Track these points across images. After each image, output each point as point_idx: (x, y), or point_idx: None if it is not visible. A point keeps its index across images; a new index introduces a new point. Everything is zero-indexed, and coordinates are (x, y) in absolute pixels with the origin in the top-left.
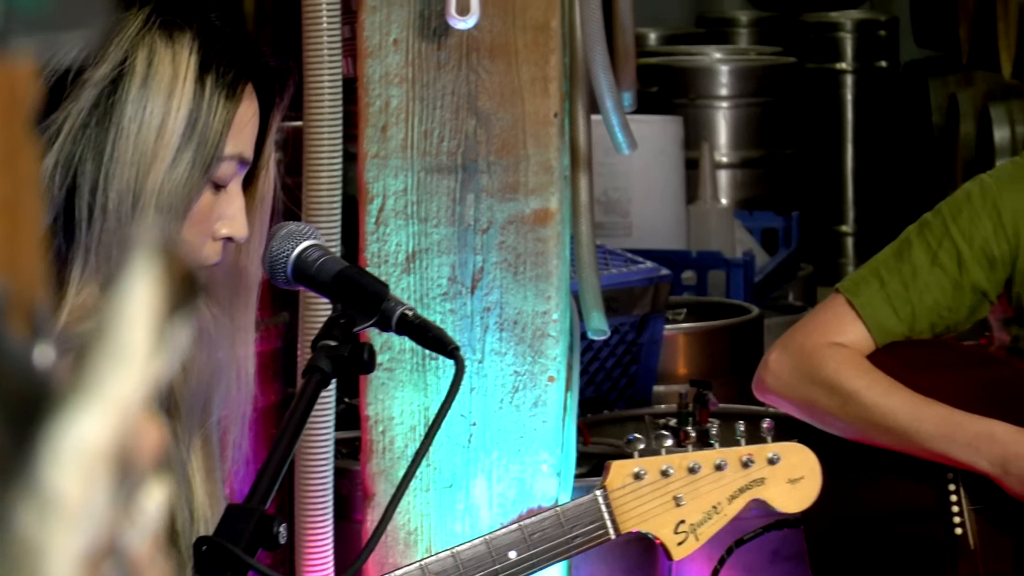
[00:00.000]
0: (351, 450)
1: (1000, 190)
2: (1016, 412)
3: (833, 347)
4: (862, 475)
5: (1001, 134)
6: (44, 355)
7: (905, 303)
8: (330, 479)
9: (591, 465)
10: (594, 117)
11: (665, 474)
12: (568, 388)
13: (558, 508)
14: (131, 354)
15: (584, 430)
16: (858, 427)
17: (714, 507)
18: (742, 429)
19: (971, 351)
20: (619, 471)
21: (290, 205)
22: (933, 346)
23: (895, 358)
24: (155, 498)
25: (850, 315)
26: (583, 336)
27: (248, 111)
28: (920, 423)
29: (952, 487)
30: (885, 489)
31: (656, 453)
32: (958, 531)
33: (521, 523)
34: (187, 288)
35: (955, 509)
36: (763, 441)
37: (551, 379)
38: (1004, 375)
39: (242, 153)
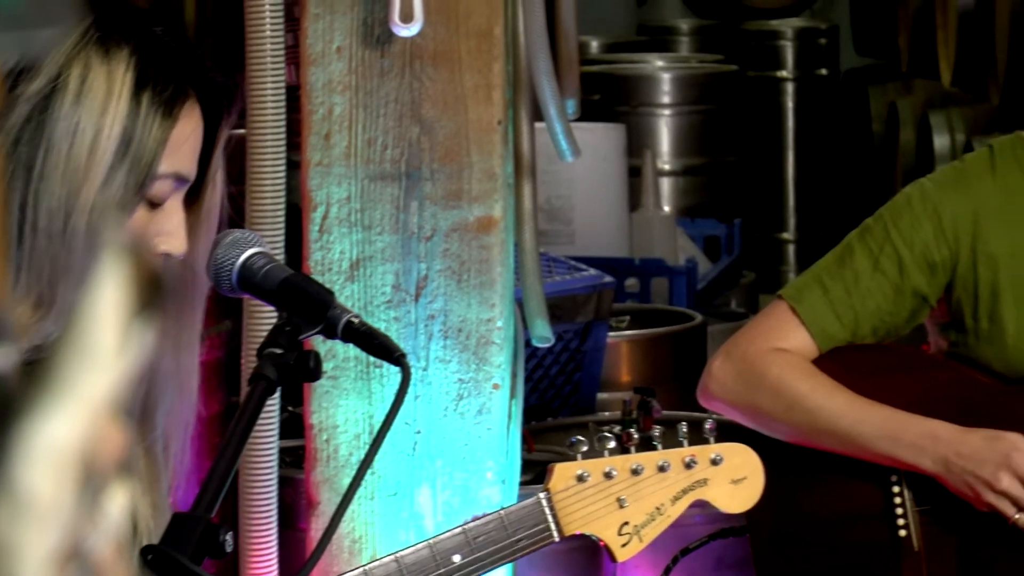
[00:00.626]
0: (295, 459)
1: (940, 195)
2: (958, 414)
3: (777, 353)
4: (807, 479)
5: (941, 141)
6: (5, 358)
7: (848, 309)
8: (274, 488)
9: (535, 472)
10: (537, 124)
11: (608, 476)
12: (513, 395)
13: (502, 511)
14: (101, 355)
15: (528, 437)
16: (803, 431)
17: (657, 508)
18: (684, 430)
19: (913, 354)
20: (562, 474)
21: (233, 214)
22: (876, 350)
23: (838, 363)
24: (118, 501)
25: (793, 321)
26: (527, 343)
27: (187, 128)
28: (864, 425)
29: (896, 489)
30: (830, 492)
31: (599, 455)
32: (902, 533)
33: (465, 526)
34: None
35: (899, 511)
36: (705, 442)
37: (496, 386)
38: (946, 378)
39: (179, 171)
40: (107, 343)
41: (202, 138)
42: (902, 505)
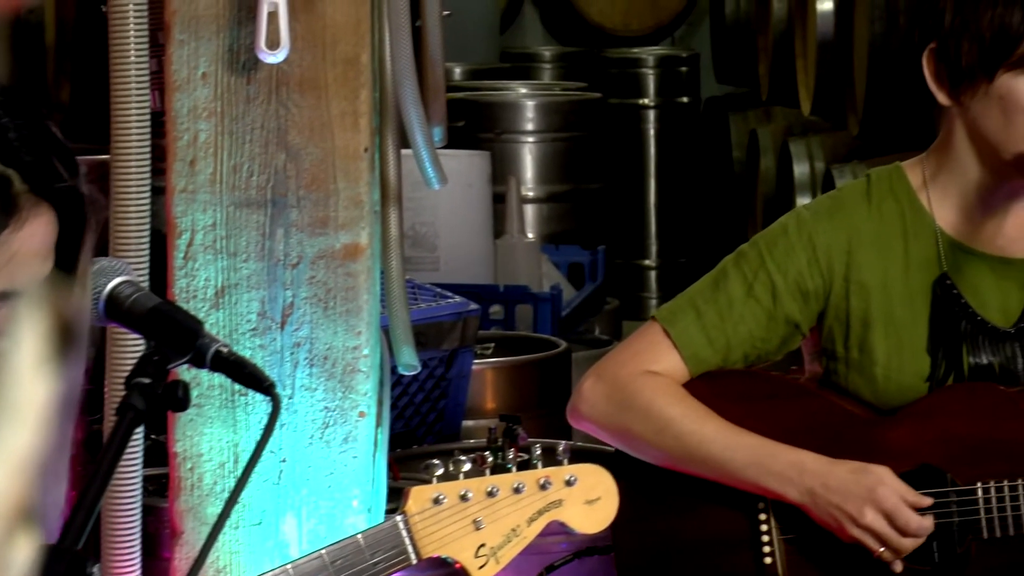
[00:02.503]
0: (158, 487)
1: (816, 224)
2: (826, 443)
3: (648, 375)
4: (675, 504)
5: (800, 169)
6: None
7: (720, 334)
8: (138, 517)
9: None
10: (403, 151)
11: (464, 498)
12: (379, 423)
13: (359, 535)
14: (25, 409)
15: (394, 465)
16: (672, 455)
17: (513, 530)
18: (538, 453)
19: (784, 382)
20: (418, 496)
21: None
22: (746, 376)
23: (709, 388)
24: (24, 551)
25: (666, 344)
26: (393, 371)
27: (14, 240)
28: (733, 452)
29: (763, 516)
30: (697, 518)
31: (455, 478)
32: (767, 560)
33: (323, 551)
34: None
35: (765, 539)
36: (560, 464)
37: (362, 414)
38: (816, 407)
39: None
40: (31, 399)
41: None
42: (768, 533)
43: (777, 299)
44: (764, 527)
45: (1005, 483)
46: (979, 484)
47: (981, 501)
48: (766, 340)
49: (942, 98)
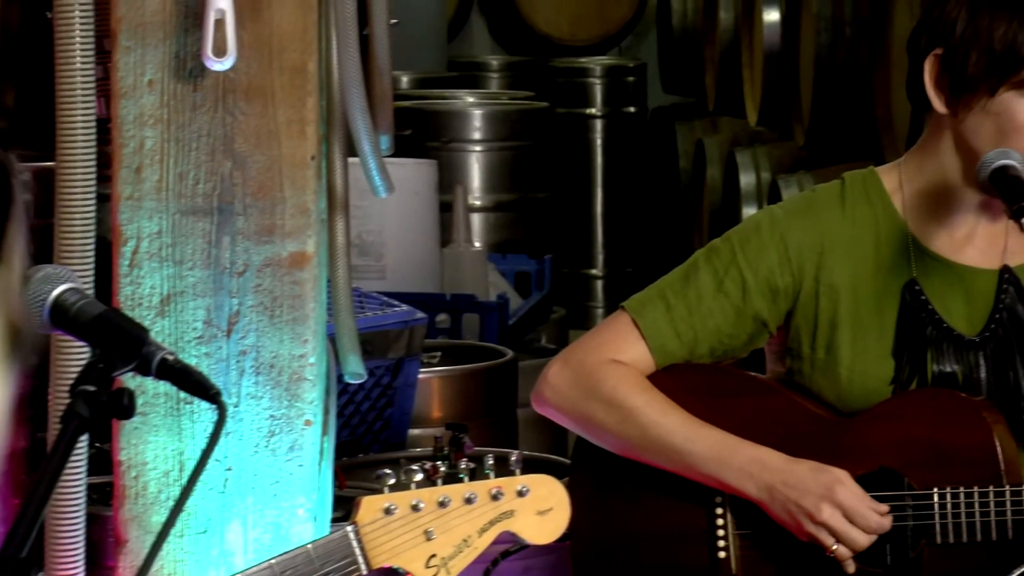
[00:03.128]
0: (101, 495)
1: (789, 223)
2: (787, 442)
3: (613, 364)
4: (632, 495)
5: (747, 179)
6: None
7: (688, 327)
8: (82, 525)
9: (346, 509)
10: (350, 159)
11: (415, 508)
12: (325, 432)
13: (309, 545)
14: None
15: (340, 474)
16: (634, 445)
17: (465, 540)
18: (491, 462)
19: (749, 379)
20: (369, 506)
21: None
22: (712, 371)
23: (674, 381)
24: None
25: (633, 334)
26: (339, 379)
27: None
28: (694, 444)
29: (720, 511)
30: (654, 510)
31: (406, 488)
32: (722, 555)
33: (272, 561)
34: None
35: (720, 533)
36: (512, 474)
37: (308, 423)
38: (778, 406)
39: None
40: None
41: None
42: (724, 527)
43: (747, 295)
44: (720, 521)
45: (961, 490)
46: (935, 490)
47: (936, 507)
48: (733, 336)
49: (938, 105)
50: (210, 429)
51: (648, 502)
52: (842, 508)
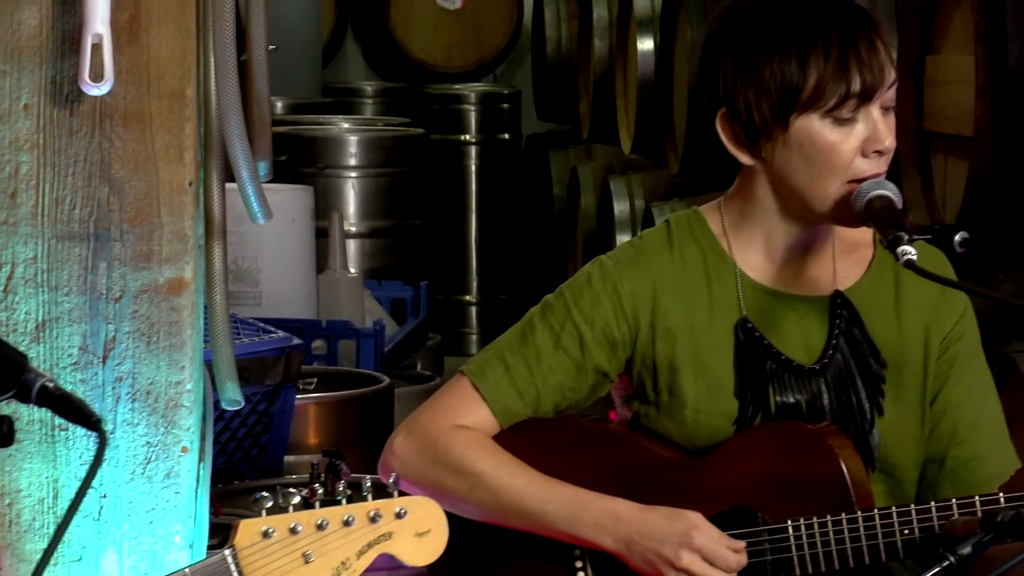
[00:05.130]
0: None
1: (619, 272)
2: (638, 489)
3: (458, 430)
4: (491, 554)
5: (620, 207)
6: None
7: (530, 386)
8: None
9: (222, 536)
10: (227, 185)
11: (293, 531)
12: (201, 459)
13: (187, 569)
14: None
15: (215, 501)
16: (487, 509)
17: (343, 563)
18: (368, 485)
19: (595, 429)
20: (247, 530)
21: None
22: (558, 425)
23: (521, 438)
24: None
25: (475, 398)
26: (215, 406)
27: None
28: (547, 504)
29: (579, 564)
30: (514, 568)
31: (284, 511)
32: None
33: None
34: None
35: None
36: (390, 496)
37: (184, 450)
38: (627, 453)
39: None
40: None
41: None
42: None
43: (585, 349)
44: (581, 575)
45: (815, 520)
46: (789, 522)
47: (792, 539)
48: (576, 390)
49: (744, 159)
50: (86, 456)
51: (507, 561)
52: (700, 552)
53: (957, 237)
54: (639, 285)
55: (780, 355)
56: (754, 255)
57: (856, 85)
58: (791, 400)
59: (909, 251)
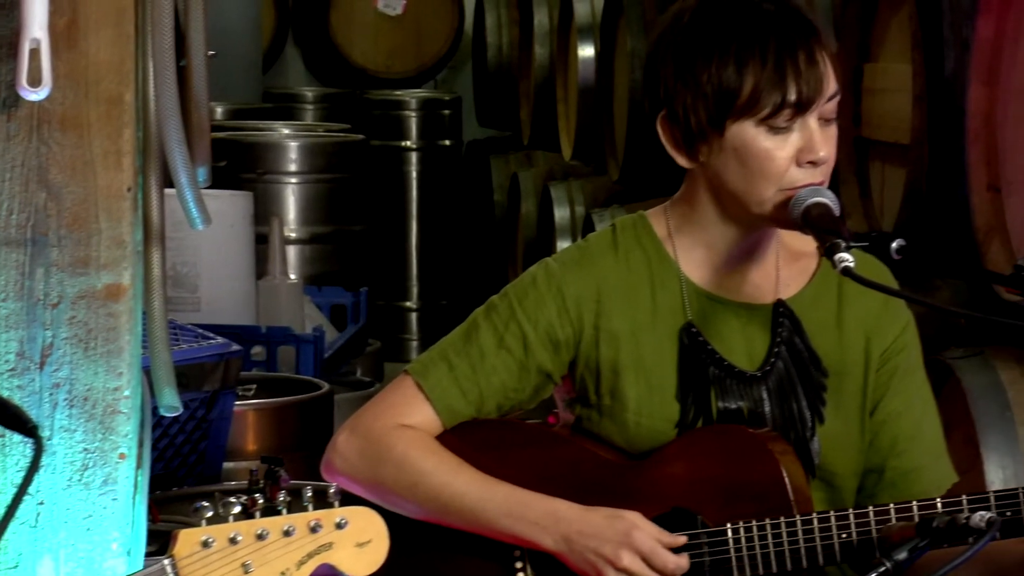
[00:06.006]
0: None
1: (564, 274)
2: (579, 491)
3: (401, 429)
4: (431, 554)
5: (561, 213)
6: None
7: (473, 385)
8: None
9: (160, 543)
10: (166, 191)
11: (233, 541)
12: (139, 465)
13: None
14: None
15: (153, 507)
16: (428, 508)
17: (283, 573)
18: (309, 495)
19: (537, 430)
20: (187, 539)
21: None
22: (501, 426)
23: (464, 439)
24: None
25: (418, 397)
26: (153, 412)
27: None
28: (487, 503)
29: (519, 565)
30: (455, 568)
31: (224, 520)
32: None
33: None
34: None
35: None
36: (331, 507)
37: (122, 456)
38: (569, 455)
39: None
40: None
41: None
42: None
43: (528, 350)
44: (520, 575)
45: (754, 523)
46: (729, 525)
47: (731, 541)
48: (519, 390)
49: (683, 161)
50: (22, 462)
51: (447, 561)
52: (640, 552)
53: (894, 244)
54: (584, 287)
55: (723, 361)
56: (698, 260)
57: (792, 95)
58: (733, 406)
59: (846, 258)
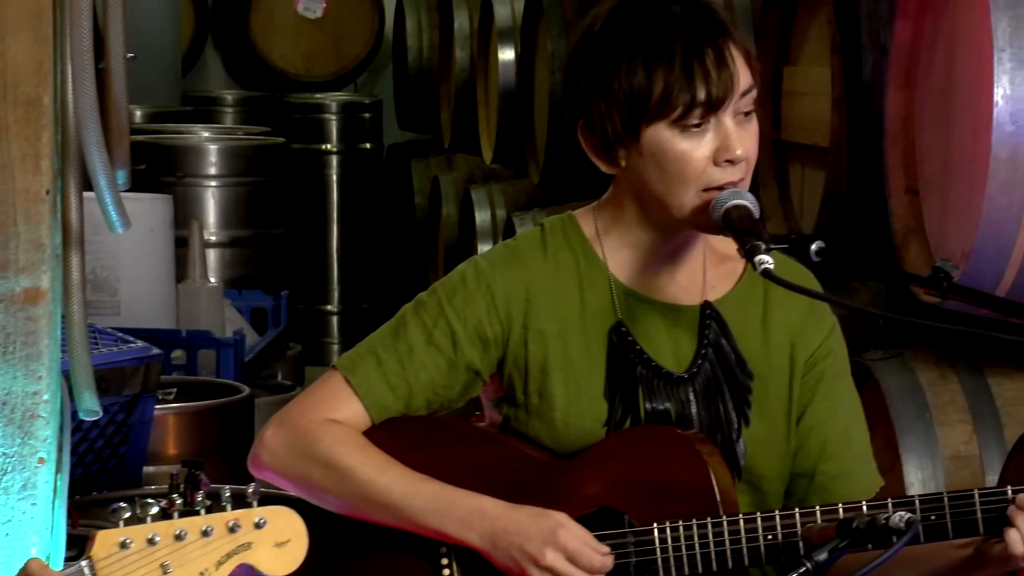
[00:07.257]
0: None
1: (494, 272)
2: (507, 488)
3: (329, 424)
4: (356, 550)
5: (482, 216)
6: None
7: (402, 381)
8: None
9: (79, 548)
10: (85, 194)
11: (151, 542)
12: (58, 470)
13: None
14: None
15: (72, 512)
16: (354, 503)
17: (202, 573)
18: (228, 495)
19: (465, 428)
20: (104, 541)
21: None
22: (429, 423)
23: (390, 435)
24: None
25: (347, 392)
26: (73, 416)
27: None
28: (413, 499)
29: (445, 561)
30: (381, 566)
31: (142, 522)
32: None
33: None
34: None
35: None
36: (249, 506)
37: (41, 461)
38: (497, 453)
39: None
40: None
41: None
42: None
43: (457, 347)
44: (447, 572)
45: (680, 524)
46: (655, 525)
47: (657, 541)
48: (448, 387)
49: (604, 168)
50: None
51: (372, 557)
52: (565, 551)
53: (813, 246)
54: (512, 286)
55: (651, 361)
56: (625, 261)
57: (702, 94)
58: (661, 407)
59: (766, 260)
